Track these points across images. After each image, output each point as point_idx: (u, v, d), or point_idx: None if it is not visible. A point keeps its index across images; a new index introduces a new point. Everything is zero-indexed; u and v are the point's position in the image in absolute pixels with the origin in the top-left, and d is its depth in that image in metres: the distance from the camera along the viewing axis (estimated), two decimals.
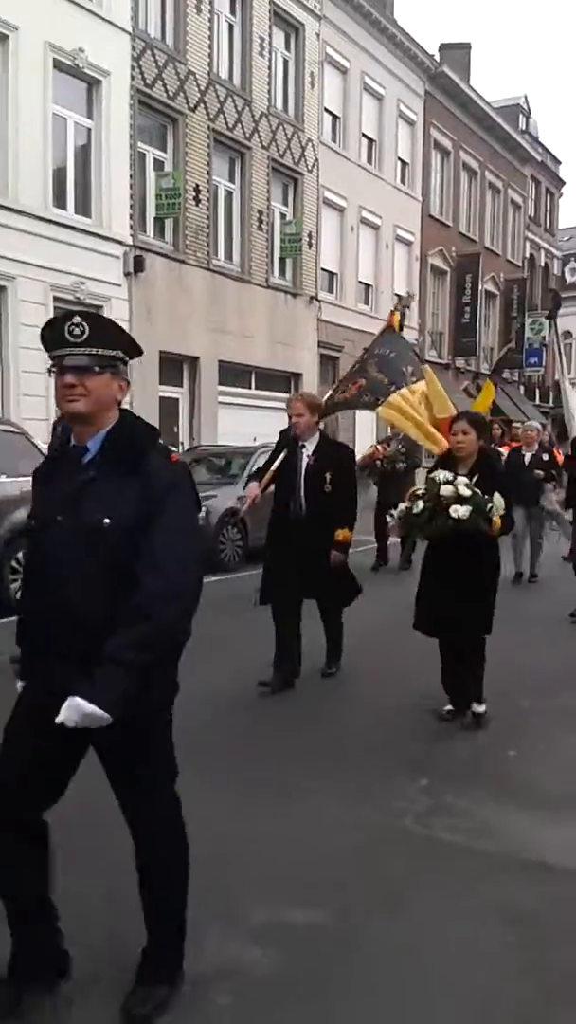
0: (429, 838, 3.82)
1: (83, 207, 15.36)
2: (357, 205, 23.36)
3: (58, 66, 14.42)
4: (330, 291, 22.78)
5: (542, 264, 38.19)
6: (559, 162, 39.72)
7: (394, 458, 11.39)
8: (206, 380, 18.28)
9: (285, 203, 21.03)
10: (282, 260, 20.85)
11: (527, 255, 36.02)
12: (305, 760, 4.64)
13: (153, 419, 16.76)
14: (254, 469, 7.01)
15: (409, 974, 2.87)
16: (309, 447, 5.97)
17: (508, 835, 3.84)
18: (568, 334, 46.27)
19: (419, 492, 4.94)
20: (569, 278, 45.63)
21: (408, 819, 3.98)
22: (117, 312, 15.82)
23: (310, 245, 21.39)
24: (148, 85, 16.42)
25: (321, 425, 6.36)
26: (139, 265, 16.10)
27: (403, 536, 5.17)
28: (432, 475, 4.96)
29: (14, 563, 8.46)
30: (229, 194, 19.21)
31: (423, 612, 5.24)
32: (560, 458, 10.89)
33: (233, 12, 18.95)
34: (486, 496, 4.77)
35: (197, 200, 17.74)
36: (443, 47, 28.53)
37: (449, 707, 5.33)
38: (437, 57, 26.99)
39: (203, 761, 4.60)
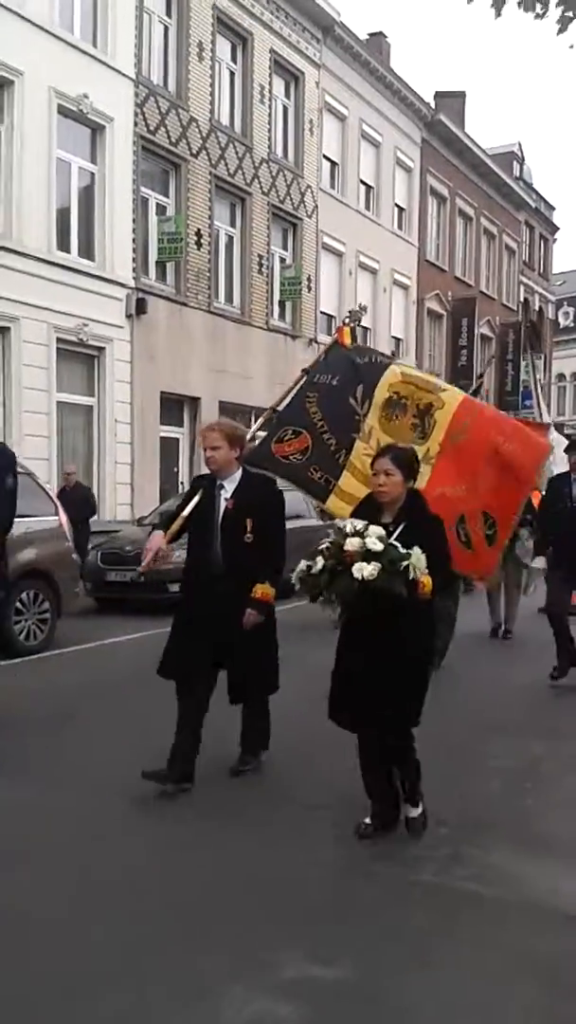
0: (449, 889, 3.73)
1: (86, 250, 15.51)
2: (355, 250, 23.63)
3: (62, 111, 14.64)
4: (328, 333, 22.91)
5: (536, 308, 38.57)
6: (552, 208, 40.33)
7: None
8: (207, 420, 18.29)
9: (285, 248, 21.27)
10: (281, 303, 21.05)
11: (522, 299, 36.41)
12: (315, 810, 4.54)
13: (154, 459, 17.01)
14: (160, 514, 5.79)
15: None
16: (228, 487, 4.88)
17: (527, 885, 3.75)
18: (562, 376, 46.70)
19: (323, 546, 3.91)
20: (563, 322, 46.15)
21: (428, 870, 3.88)
22: (119, 353, 15.92)
23: (309, 289, 21.59)
24: (151, 131, 16.66)
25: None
26: (141, 307, 16.22)
27: (312, 600, 4.03)
28: (341, 524, 3.97)
29: (19, 604, 8.37)
30: (230, 238, 19.42)
31: (336, 699, 4.20)
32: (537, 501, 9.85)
33: (234, 60, 19.31)
34: (408, 551, 3.78)
35: (199, 244, 17.92)
36: (438, 95, 29.07)
37: (367, 820, 4.21)
38: (433, 105, 27.50)
39: (218, 803, 4.52)
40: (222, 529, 4.80)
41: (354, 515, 4.18)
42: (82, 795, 4.67)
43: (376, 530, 3.83)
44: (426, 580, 3.81)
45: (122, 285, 15.97)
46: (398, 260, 25.98)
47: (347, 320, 6.53)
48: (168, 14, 17.44)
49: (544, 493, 7.96)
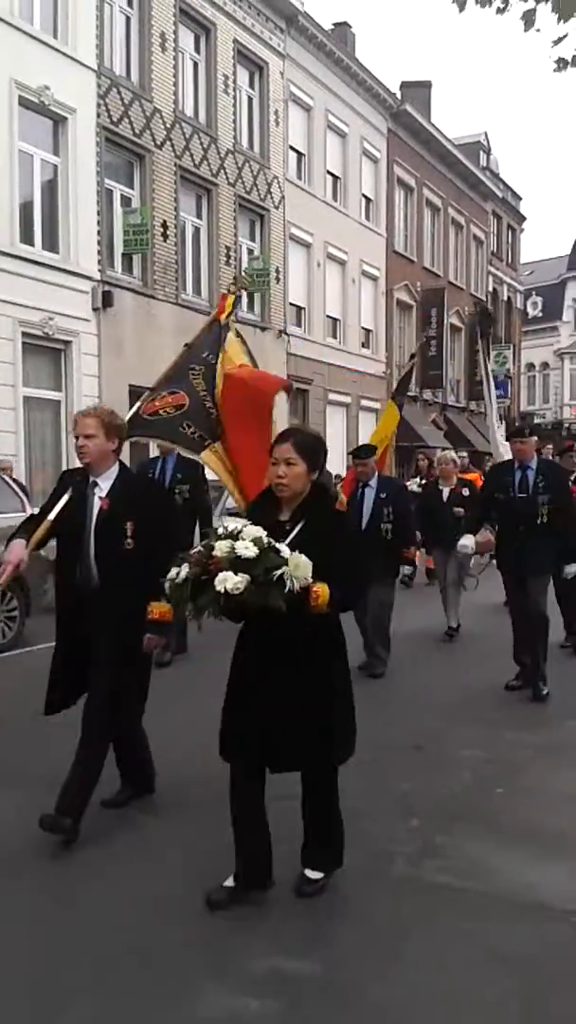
0: (421, 881, 3.72)
1: (50, 243, 15.34)
2: (323, 241, 23.57)
3: (24, 103, 14.45)
4: (298, 325, 22.90)
5: (505, 298, 38.75)
6: (519, 198, 40.50)
7: None
8: None
9: (252, 239, 21.17)
10: (250, 295, 20.93)
11: (490, 289, 36.54)
12: (287, 803, 4.50)
13: (123, 454, 16.78)
14: (26, 519, 4.53)
15: None
16: (103, 485, 4.15)
17: (500, 876, 3.74)
18: (531, 366, 47.00)
19: (196, 551, 3.22)
20: (531, 312, 46.43)
21: (399, 862, 3.87)
22: (86, 347, 15.78)
23: (278, 280, 21.51)
24: (114, 122, 16.49)
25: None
26: (108, 300, 16.07)
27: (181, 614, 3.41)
28: (221, 525, 3.26)
29: None
30: (197, 230, 19.30)
31: (229, 731, 3.46)
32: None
33: (197, 50, 19.16)
34: (290, 556, 3.10)
35: (165, 236, 17.78)
36: (404, 85, 29.06)
37: (227, 883, 3.46)
38: (399, 95, 27.47)
39: (190, 799, 4.47)
40: (96, 535, 4.05)
41: (250, 513, 3.57)
42: (54, 794, 4.60)
43: (253, 531, 3.13)
44: (320, 590, 3.15)
45: (88, 278, 15.81)
46: (366, 251, 25.95)
47: (231, 288, 6.11)
48: (130, 4, 17.26)
49: (484, 479, 7.78)
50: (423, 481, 12.57)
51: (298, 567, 3.10)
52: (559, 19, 5.85)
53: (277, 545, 3.12)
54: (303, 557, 3.12)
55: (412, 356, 9.89)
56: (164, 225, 17.75)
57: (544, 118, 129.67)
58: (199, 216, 19.38)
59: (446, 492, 9.06)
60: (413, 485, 12.59)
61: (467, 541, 6.95)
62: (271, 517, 3.39)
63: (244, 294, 7.49)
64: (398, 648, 8.20)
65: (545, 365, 47.92)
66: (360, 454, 7.55)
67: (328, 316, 24.38)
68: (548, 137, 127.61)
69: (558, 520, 6.43)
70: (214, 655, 4.16)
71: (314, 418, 23.45)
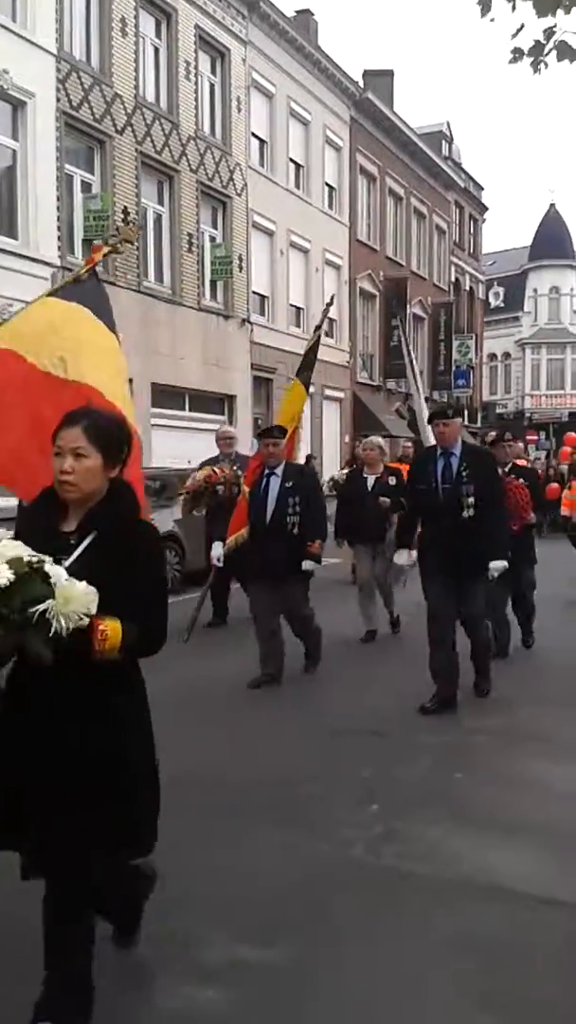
0: (381, 867, 3.72)
1: (9, 229, 15.13)
2: (286, 229, 23.50)
3: None
4: (262, 313, 22.83)
5: (467, 288, 38.94)
6: (481, 188, 40.67)
7: (236, 482, 8.23)
8: (139, 402, 18.06)
9: (215, 226, 21.05)
10: (213, 283, 20.84)
11: (453, 279, 36.69)
12: (248, 789, 4.51)
13: None
14: None
15: (367, 1010, 2.77)
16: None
17: (461, 860, 3.76)
18: (493, 356, 47.33)
19: None
20: (493, 302, 46.71)
21: (359, 848, 3.88)
22: None
23: (240, 268, 21.42)
24: (74, 107, 16.29)
25: None
26: None
27: None
28: None
29: None
30: (158, 216, 19.14)
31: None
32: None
33: (158, 35, 18.97)
34: (61, 585, 2.24)
35: (126, 222, 17.61)
36: (367, 74, 28.99)
37: None
38: (361, 83, 27.42)
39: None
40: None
41: (20, 520, 2.84)
42: None
43: (11, 549, 2.28)
44: (108, 629, 2.33)
45: (47, 264, 15.61)
46: (329, 239, 25.92)
47: (111, 238, 4.75)
48: None
49: (410, 469, 6.88)
50: (347, 471, 11.56)
51: (69, 601, 2.25)
52: (513, 7, 5.86)
53: (48, 568, 2.26)
54: (79, 586, 2.27)
55: (317, 327, 8.74)
56: (125, 211, 17.58)
57: (506, 109, 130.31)
58: (160, 203, 19.22)
59: (371, 481, 8.34)
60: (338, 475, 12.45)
61: (403, 559, 6.24)
62: (50, 526, 2.55)
63: (129, 245, 5.20)
64: (357, 634, 8.22)
65: (507, 355, 48.26)
66: (272, 433, 6.66)
67: (291, 305, 24.33)
68: (510, 128, 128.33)
69: (486, 511, 5.77)
70: None
71: (278, 407, 23.43)
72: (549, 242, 46.57)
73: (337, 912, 3.34)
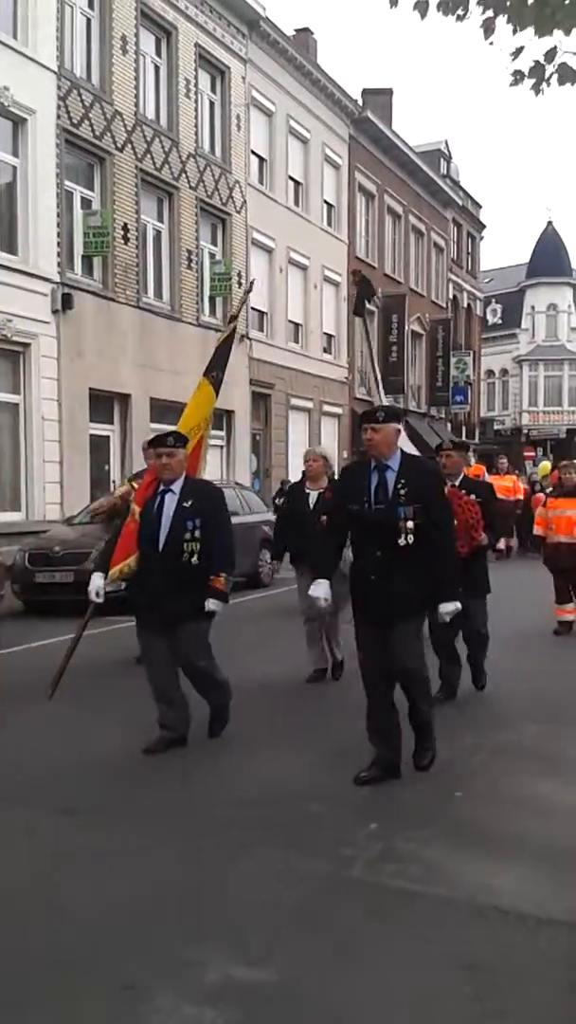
0: (379, 886, 3.69)
1: (8, 245, 15.18)
2: (285, 246, 23.61)
3: None
4: (261, 330, 22.90)
5: (465, 305, 39.09)
6: (479, 206, 40.92)
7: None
8: (137, 417, 18.11)
9: (214, 243, 21.14)
10: (212, 299, 20.91)
11: (451, 296, 36.84)
12: (246, 808, 4.48)
13: (83, 457, 16.73)
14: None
15: None
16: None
17: (460, 880, 3.74)
18: (491, 372, 47.48)
19: None
20: (491, 319, 46.91)
21: (357, 867, 3.85)
22: (45, 349, 15.63)
23: (239, 284, 21.49)
24: (75, 124, 16.38)
25: None
26: (67, 303, 15.94)
27: None
28: None
29: None
30: (158, 233, 19.23)
31: None
32: None
33: (159, 53, 19.11)
34: None
35: (126, 239, 17.70)
36: (366, 92, 29.20)
37: None
38: (360, 102, 27.61)
39: (140, 809, 4.43)
40: None
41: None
42: (7, 801, 4.54)
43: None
44: None
45: (47, 280, 15.66)
46: (328, 256, 26.03)
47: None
48: (91, 7, 17.15)
49: (337, 483, 5.94)
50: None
51: None
52: (514, 30, 5.89)
53: None
54: None
55: (232, 318, 7.58)
56: (125, 228, 17.66)
57: (504, 128, 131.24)
58: (160, 219, 19.31)
59: (313, 497, 7.34)
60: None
61: (318, 591, 4.91)
62: None
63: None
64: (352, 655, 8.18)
65: (504, 372, 48.41)
66: (165, 441, 5.47)
67: (290, 321, 24.42)
68: (508, 147, 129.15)
69: (432, 540, 4.70)
70: None
71: (276, 423, 23.49)
72: (546, 260, 46.81)
73: (335, 932, 3.31)
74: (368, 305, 8.34)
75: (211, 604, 5.33)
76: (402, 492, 4.68)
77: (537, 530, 10.11)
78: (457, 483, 6.42)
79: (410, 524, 4.64)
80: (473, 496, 6.38)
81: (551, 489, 11.48)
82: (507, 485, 17.24)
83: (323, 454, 7.75)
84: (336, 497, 5.34)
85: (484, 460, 25.53)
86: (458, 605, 4.80)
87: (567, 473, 9.95)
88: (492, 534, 6.48)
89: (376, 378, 9.38)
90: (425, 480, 4.84)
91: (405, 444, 8.45)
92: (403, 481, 4.71)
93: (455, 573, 4.89)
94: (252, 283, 10.30)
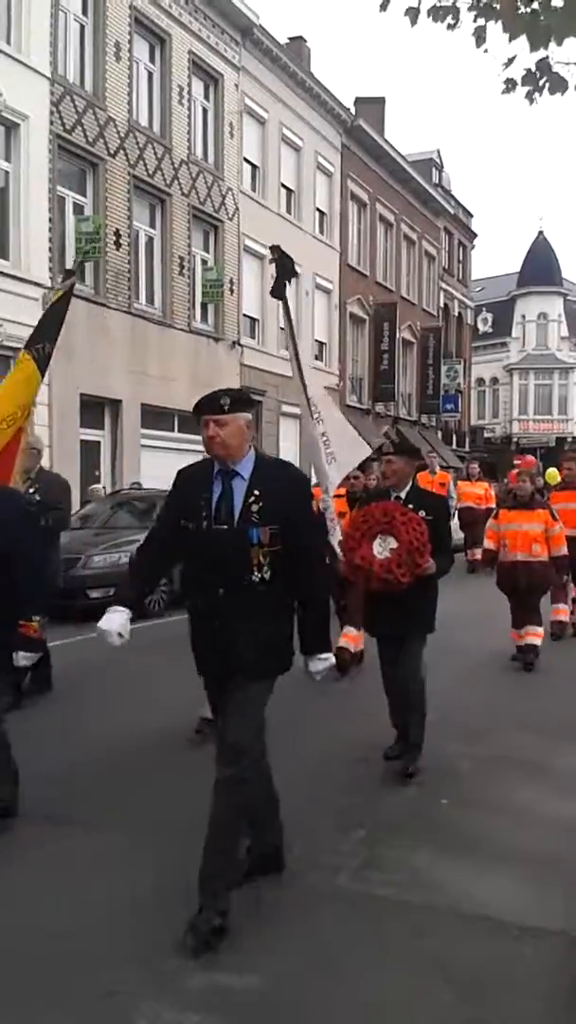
0: (364, 894, 3.70)
1: (0, 249, 15.17)
2: None
3: None
4: (252, 336, 22.93)
5: (456, 314, 39.22)
6: (471, 215, 41.05)
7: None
8: (128, 423, 18.11)
9: (206, 249, 21.17)
10: (203, 305, 20.93)
11: (442, 305, 36.95)
12: None
13: (73, 462, 16.71)
14: None
15: None
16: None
17: (445, 888, 3.74)
18: (481, 381, 47.62)
19: None
20: (481, 328, 47.05)
21: (342, 874, 3.85)
22: None
23: (231, 291, 21.53)
24: (67, 130, 16.40)
25: None
26: None
27: None
28: None
29: None
30: (150, 239, 19.25)
31: None
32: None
33: (152, 60, 19.15)
34: None
35: (118, 245, 17.70)
36: (358, 101, 29.31)
37: None
38: (353, 110, 27.71)
39: (122, 815, 4.42)
40: None
41: None
42: None
43: None
44: None
45: (38, 285, 15.65)
46: (320, 264, 26.08)
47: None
48: (84, 13, 17.19)
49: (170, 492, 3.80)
50: None
51: None
52: (509, 39, 5.91)
53: None
54: None
55: (68, 273, 7.09)
56: (117, 234, 17.67)
57: (495, 137, 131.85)
58: (152, 226, 19.33)
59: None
60: None
61: (107, 624, 3.49)
62: None
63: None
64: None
65: (495, 380, 48.54)
66: None
67: (281, 328, 24.44)
68: (499, 156, 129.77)
69: (296, 575, 3.44)
70: None
71: (267, 429, 23.49)
72: (537, 269, 46.98)
73: (320, 939, 3.31)
74: (289, 286, 7.24)
75: (21, 658, 4.30)
76: (255, 508, 3.37)
77: (488, 545, 8.56)
78: (403, 495, 5.23)
79: (265, 552, 3.35)
80: (422, 512, 5.08)
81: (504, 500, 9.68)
82: (478, 493, 16.44)
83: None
84: (167, 509, 3.69)
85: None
86: (332, 660, 3.60)
87: (522, 481, 8.52)
88: (443, 559, 5.13)
89: (299, 366, 7.71)
90: (288, 491, 3.46)
91: (344, 440, 7.15)
92: (257, 493, 3.40)
93: (324, 621, 3.61)
94: (76, 263, 9.85)
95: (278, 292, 7.29)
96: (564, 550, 8.28)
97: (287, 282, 7.22)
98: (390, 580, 4.89)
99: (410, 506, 5.12)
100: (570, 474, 9.63)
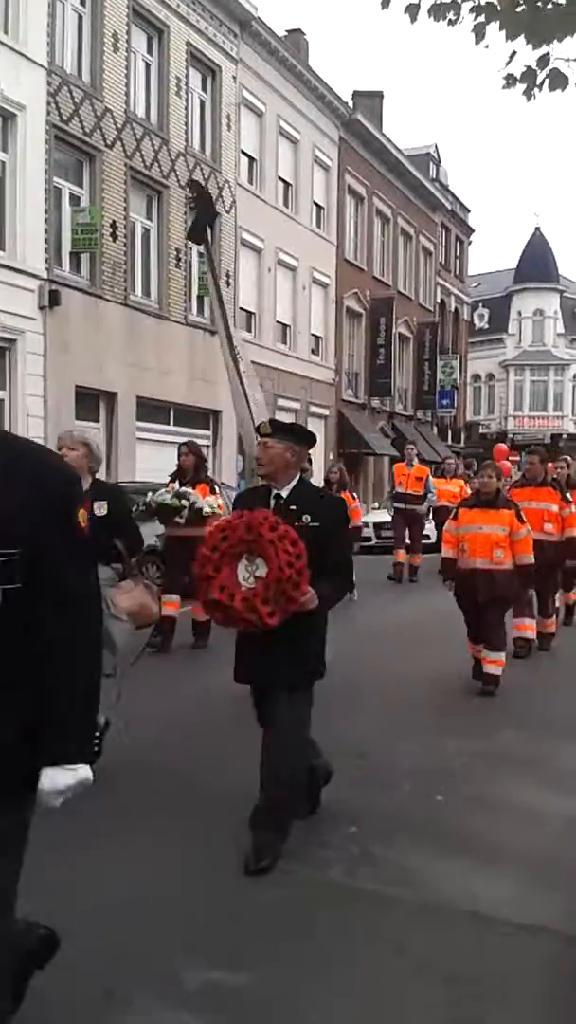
0: (357, 890, 3.69)
1: None
2: (274, 247, 23.59)
3: None
4: (248, 330, 22.86)
5: (453, 309, 39.18)
6: (468, 210, 41.00)
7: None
8: (124, 416, 18.05)
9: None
10: (200, 298, 20.86)
11: (438, 300, 36.92)
12: (227, 810, 4.45)
13: None
14: None
15: None
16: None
17: (439, 884, 3.73)
18: (477, 377, 47.62)
19: None
20: (477, 324, 47.04)
21: (336, 870, 3.84)
22: (31, 346, 15.56)
23: (228, 284, 21.45)
24: (64, 121, 16.31)
25: None
26: (55, 299, 15.87)
27: None
28: None
29: None
30: (147, 231, 19.18)
31: None
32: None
33: (150, 51, 19.06)
34: None
35: (114, 236, 17.64)
36: (356, 95, 29.21)
37: None
38: (351, 104, 27.63)
39: (115, 813, 4.40)
40: None
41: None
42: None
43: None
44: None
45: (34, 276, 15.59)
46: (317, 258, 26.04)
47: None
48: (82, 3, 17.08)
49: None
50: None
51: None
52: (507, 37, 5.89)
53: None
54: None
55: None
56: (113, 225, 17.60)
57: (494, 133, 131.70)
58: (149, 217, 19.27)
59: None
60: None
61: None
62: None
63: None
64: (348, 647, 8.17)
65: (491, 376, 48.52)
66: None
67: (278, 322, 24.40)
68: (496, 151, 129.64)
69: (44, 623, 2.11)
70: None
71: None
72: (534, 265, 46.94)
73: (312, 936, 3.30)
74: (211, 229, 6.18)
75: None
76: None
77: (446, 552, 7.35)
78: (284, 494, 3.97)
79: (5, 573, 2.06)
80: (307, 518, 3.85)
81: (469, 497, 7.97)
82: (453, 491, 14.57)
83: (84, 441, 5.50)
84: None
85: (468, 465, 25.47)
86: (82, 777, 2.22)
87: (487, 476, 7.33)
88: (333, 583, 3.89)
89: (224, 318, 6.68)
90: (37, 495, 2.11)
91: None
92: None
93: (94, 684, 2.25)
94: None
95: (196, 234, 6.16)
96: (530, 558, 7.10)
97: (208, 224, 6.14)
98: (253, 621, 3.66)
99: (292, 508, 3.88)
100: (532, 469, 8.60)
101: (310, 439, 4.16)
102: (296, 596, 3.66)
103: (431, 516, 14.62)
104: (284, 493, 3.98)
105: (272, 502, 3.95)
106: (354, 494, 12.04)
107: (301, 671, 3.94)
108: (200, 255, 5.92)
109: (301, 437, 4.10)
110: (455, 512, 7.49)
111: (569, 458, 11.25)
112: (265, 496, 4.01)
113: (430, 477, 14.38)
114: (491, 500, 7.15)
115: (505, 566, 7.00)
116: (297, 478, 4.05)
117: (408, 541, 13.88)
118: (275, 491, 4.00)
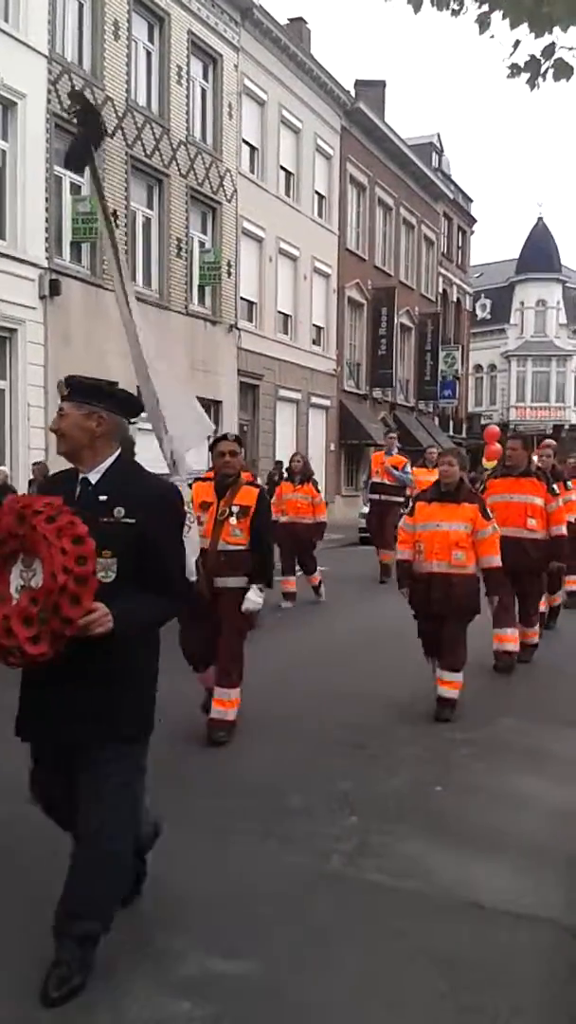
0: (357, 879, 3.69)
1: None
2: (275, 236, 23.53)
3: None
4: (250, 320, 22.83)
5: (455, 299, 39.08)
6: (470, 200, 40.85)
7: None
8: None
9: (204, 231, 21.04)
10: (201, 288, 20.82)
11: (440, 290, 36.82)
12: (227, 799, 4.46)
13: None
14: None
15: None
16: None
17: (438, 875, 3.73)
18: (479, 367, 47.55)
19: None
20: (480, 314, 46.94)
21: (335, 860, 3.84)
22: (32, 335, 15.53)
23: (229, 274, 21.41)
24: (65, 109, 16.21)
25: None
26: (55, 288, 15.84)
27: None
28: None
29: None
30: (148, 220, 19.12)
31: None
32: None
33: (151, 40, 18.97)
34: None
35: (115, 225, 17.56)
36: (359, 84, 29.09)
37: None
38: (353, 93, 27.51)
39: None
40: None
41: None
42: None
43: None
44: None
45: (35, 265, 15.56)
46: (318, 248, 25.96)
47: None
48: None
49: None
50: None
51: None
52: (511, 25, 5.85)
53: None
54: None
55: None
56: (114, 214, 17.52)
57: (496, 123, 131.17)
58: (150, 207, 19.21)
59: None
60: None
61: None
62: None
63: None
64: (345, 638, 8.20)
65: (493, 367, 48.46)
66: None
67: (280, 312, 24.35)
68: (499, 141, 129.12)
69: None
70: None
71: (264, 413, 23.44)
72: (536, 256, 46.81)
73: (312, 925, 3.30)
74: (95, 149, 4.81)
75: None
76: None
77: (402, 554, 6.31)
78: (93, 479, 2.95)
79: None
80: (120, 511, 2.85)
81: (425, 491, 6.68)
82: (431, 481, 14.06)
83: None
84: None
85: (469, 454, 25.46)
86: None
87: (448, 464, 6.19)
88: (156, 601, 2.89)
89: (116, 256, 5.32)
90: None
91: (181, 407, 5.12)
92: None
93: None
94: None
95: (77, 160, 4.86)
96: (496, 560, 6.14)
97: (93, 145, 4.78)
98: (10, 649, 2.63)
99: (102, 499, 2.87)
100: (514, 455, 7.65)
101: (128, 407, 3.11)
102: (72, 615, 2.58)
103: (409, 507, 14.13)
104: (92, 478, 2.93)
105: (78, 489, 2.92)
106: (318, 487, 11.27)
107: (126, 719, 2.88)
108: (96, 180, 4.67)
109: (115, 403, 3.03)
110: (411, 507, 6.47)
111: (554, 442, 10.41)
112: (73, 481, 2.96)
113: (408, 465, 13.81)
114: (452, 493, 6.11)
115: (467, 570, 6.00)
116: (113, 457, 2.97)
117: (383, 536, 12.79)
118: (82, 475, 2.95)
